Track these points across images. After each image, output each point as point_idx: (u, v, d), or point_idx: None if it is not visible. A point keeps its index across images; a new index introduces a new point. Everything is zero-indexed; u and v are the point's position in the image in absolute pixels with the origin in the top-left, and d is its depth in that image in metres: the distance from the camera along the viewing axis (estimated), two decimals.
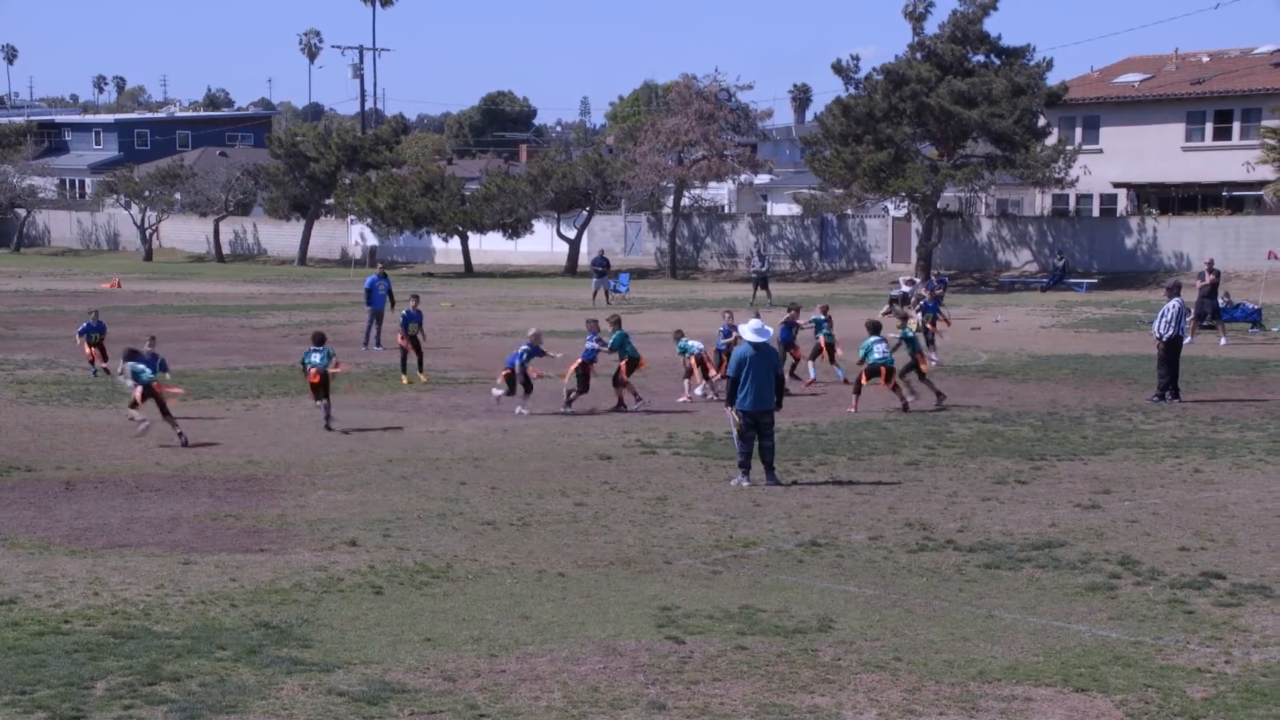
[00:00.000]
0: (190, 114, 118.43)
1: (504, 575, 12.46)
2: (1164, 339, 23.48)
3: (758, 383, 16.48)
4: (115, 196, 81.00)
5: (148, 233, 79.86)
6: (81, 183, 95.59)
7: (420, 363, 26.45)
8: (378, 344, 31.68)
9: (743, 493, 16.09)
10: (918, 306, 29.26)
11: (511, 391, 22.50)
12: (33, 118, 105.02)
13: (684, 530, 14.25)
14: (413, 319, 26.62)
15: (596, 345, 22.80)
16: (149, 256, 78.46)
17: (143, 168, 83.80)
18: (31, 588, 11.87)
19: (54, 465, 17.62)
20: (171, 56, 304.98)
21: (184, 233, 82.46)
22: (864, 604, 11.53)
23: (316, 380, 20.81)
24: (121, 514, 14.88)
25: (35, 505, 15.24)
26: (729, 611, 11.25)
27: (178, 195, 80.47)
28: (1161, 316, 23.73)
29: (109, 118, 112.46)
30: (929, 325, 28.08)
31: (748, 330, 17.01)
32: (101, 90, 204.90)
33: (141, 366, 19.91)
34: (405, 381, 25.95)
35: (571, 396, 22.49)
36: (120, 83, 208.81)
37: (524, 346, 22.65)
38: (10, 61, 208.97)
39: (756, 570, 12.68)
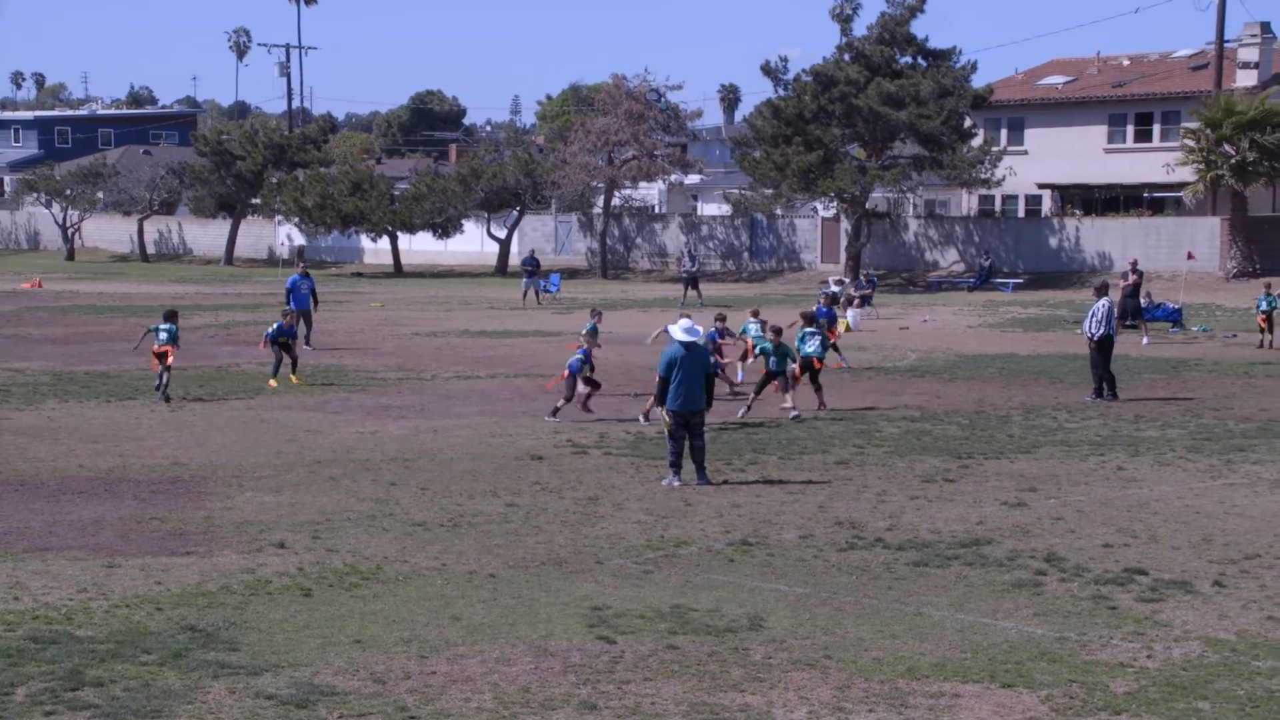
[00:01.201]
0: (113, 112, 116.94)
1: (434, 576, 12.40)
2: (1095, 338, 23.78)
3: (688, 383, 16.51)
4: (35, 195, 79.89)
5: (69, 232, 78.79)
6: (0, 180, 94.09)
7: (295, 365, 25.66)
8: (306, 343, 31.38)
9: (674, 492, 16.12)
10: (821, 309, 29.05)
11: (570, 398, 21.70)
12: None
13: (615, 530, 14.25)
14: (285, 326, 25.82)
15: (583, 356, 22.07)
16: (71, 256, 77.41)
17: (64, 166, 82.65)
18: None
19: None
20: (93, 53, 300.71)
21: (107, 232, 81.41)
22: (794, 602, 11.59)
23: (161, 353, 23.11)
24: (43, 517, 14.65)
25: None
26: (660, 611, 11.26)
27: (100, 194, 79.40)
28: (1092, 316, 24.00)
29: (28, 115, 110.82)
30: (828, 332, 27.11)
31: (678, 330, 17.03)
32: (19, 87, 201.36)
33: None
34: (274, 385, 25.10)
35: (560, 406, 21.79)
36: (40, 79, 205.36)
37: (579, 353, 21.92)
38: None
39: (688, 570, 12.71)
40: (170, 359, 23.43)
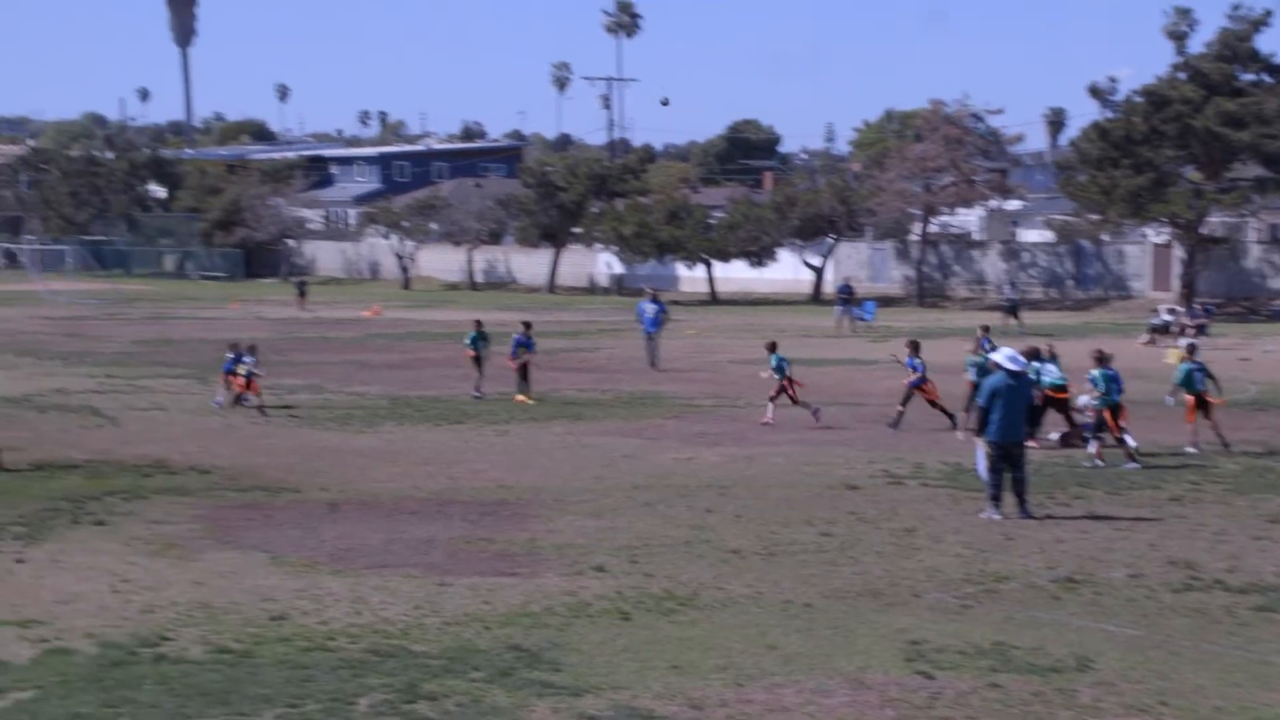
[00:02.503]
0: (446, 146, 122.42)
1: (750, 604, 12.44)
2: None
3: (1009, 413, 16.10)
4: (376, 227, 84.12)
5: (406, 261, 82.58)
6: (345, 214, 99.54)
7: (526, 386, 27.63)
8: (653, 365, 32.70)
9: (993, 525, 15.72)
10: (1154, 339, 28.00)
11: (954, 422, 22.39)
12: (302, 153, 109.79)
13: (933, 563, 13.99)
14: (523, 344, 27.96)
15: (917, 369, 23.11)
16: (407, 285, 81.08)
17: (401, 199, 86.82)
18: (299, 605, 12.38)
19: (319, 487, 18.36)
20: (430, 91, 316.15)
21: (439, 261, 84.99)
22: (1124, 644, 11.12)
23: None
24: (381, 535, 15.40)
25: (302, 526, 15.90)
26: (980, 647, 10.99)
27: (434, 225, 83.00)
28: None
29: (371, 151, 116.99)
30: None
31: (1003, 358, 16.63)
32: (365, 125, 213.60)
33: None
34: (523, 400, 27.10)
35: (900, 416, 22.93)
36: (383, 117, 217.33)
37: (917, 369, 23.04)
38: (283, 99, 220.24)
39: (1009, 606, 12.36)
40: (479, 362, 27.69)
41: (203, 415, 25.01)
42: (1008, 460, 16.13)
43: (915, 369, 23.38)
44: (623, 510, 16.73)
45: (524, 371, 27.96)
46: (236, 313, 55.08)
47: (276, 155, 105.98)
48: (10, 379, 29.44)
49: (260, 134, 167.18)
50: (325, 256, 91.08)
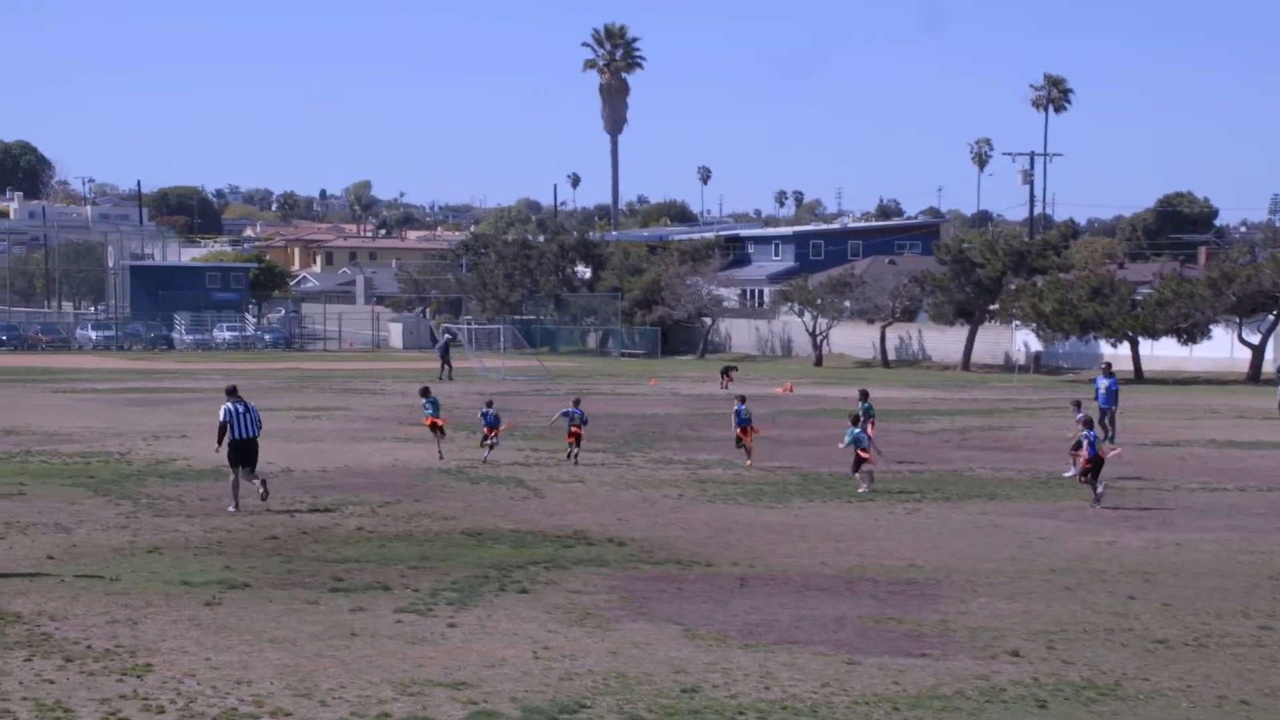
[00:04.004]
0: (862, 224, 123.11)
1: (1179, 698, 11.75)
2: None
3: None
4: (790, 304, 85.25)
5: (818, 339, 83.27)
6: (760, 292, 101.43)
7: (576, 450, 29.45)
8: (1110, 439, 31.69)
9: None
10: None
11: None
12: (720, 233, 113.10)
13: None
14: (573, 415, 29.59)
15: None
16: (819, 362, 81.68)
17: (816, 277, 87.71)
18: (710, 678, 12.57)
19: (730, 561, 18.62)
20: (847, 170, 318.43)
21: (851, 339, 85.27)
22: None
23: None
24: (790, 611, 15.46)
25: (713, 599, 16.16)
26: None
27: (847, 303, 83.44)
28: None
29: (787, 230, 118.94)
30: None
31: None
32: (782, 205, 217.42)
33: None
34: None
35: None
36: (799, 197, 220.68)
37: None
38: (705, 182, 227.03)
39: None
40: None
41: (620, 488, 25.88)
42: None
43: None
44: (1039, 594, 16.17)
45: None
46: (654, 389, 56.82)
47: (696, 236, 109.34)
48: (446, 453, 31.38)
49: (681, 215, 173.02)
50: (739, 334, 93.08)
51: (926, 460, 30.85)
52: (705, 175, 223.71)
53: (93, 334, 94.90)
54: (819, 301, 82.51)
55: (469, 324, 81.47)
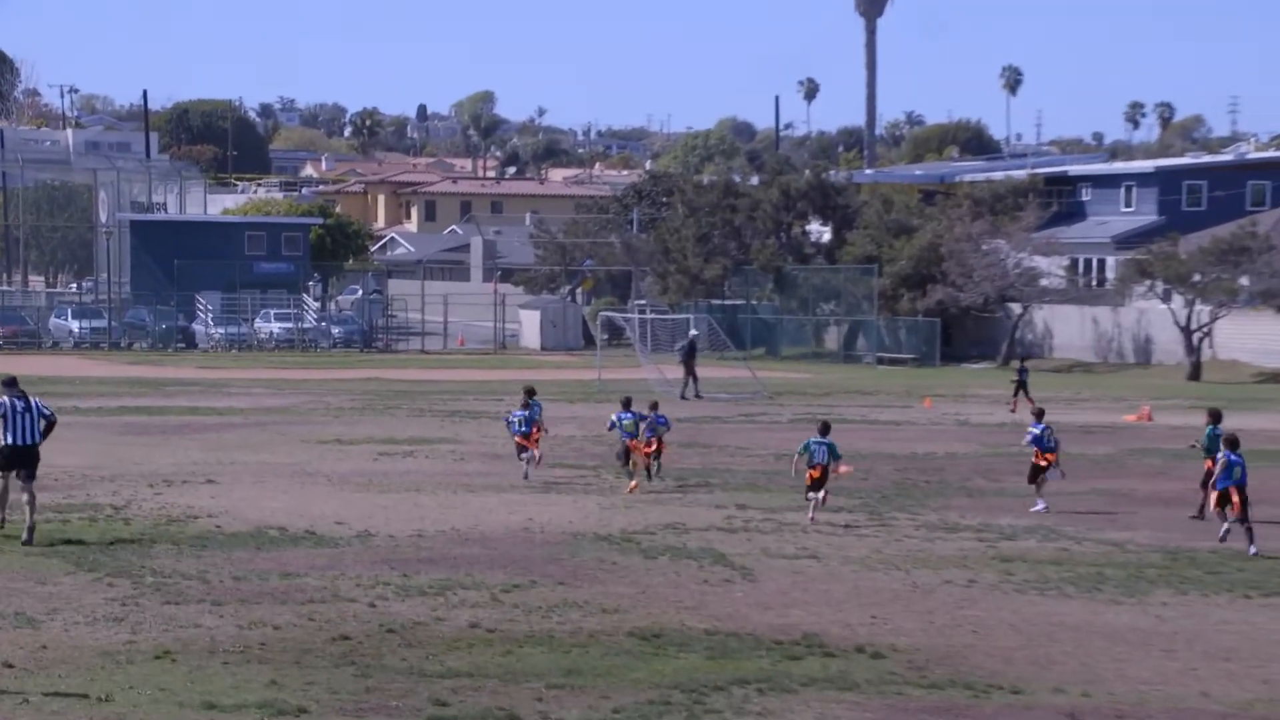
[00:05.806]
0: (1271, 153, 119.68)
1: None
2: None
3: None
4: (1149, 282, 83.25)
5: (1195, 337, 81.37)
6: (1100, 263, 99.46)
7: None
8: None
9: None
10: None
11: None
12: (1036, 170, 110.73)
13: None
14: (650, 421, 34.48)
15: None
16: (1196, 373, 79.62)
17: (1192, 238, 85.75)
18: None
19: (1051, 686, 18.48)
20: (1239, 73, 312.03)
21: (1252, 336, 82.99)
22: None
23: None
24: None
25: None
26: None
27: (1244, 280, 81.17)
28: None
29: (1145, 165, 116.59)
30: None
31: None
32: (1136, 125, 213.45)
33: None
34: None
35: None
36: (1165, 113, 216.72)
37: None
38: (1012, 91, 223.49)
39: None
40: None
41: (874, 568, 25.84)
42: None
43: None
44: None
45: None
46: (929, 413, 56.45)
47: (998, 175, 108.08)
48: (605, 507, 31.63)
49: (976, 144, 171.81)
50: (1066, 327, 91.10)
51: None
52: (1013, 81, 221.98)
53: (74, 324, 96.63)
54: (1197, 278, 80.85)
55: (640, 312, 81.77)
